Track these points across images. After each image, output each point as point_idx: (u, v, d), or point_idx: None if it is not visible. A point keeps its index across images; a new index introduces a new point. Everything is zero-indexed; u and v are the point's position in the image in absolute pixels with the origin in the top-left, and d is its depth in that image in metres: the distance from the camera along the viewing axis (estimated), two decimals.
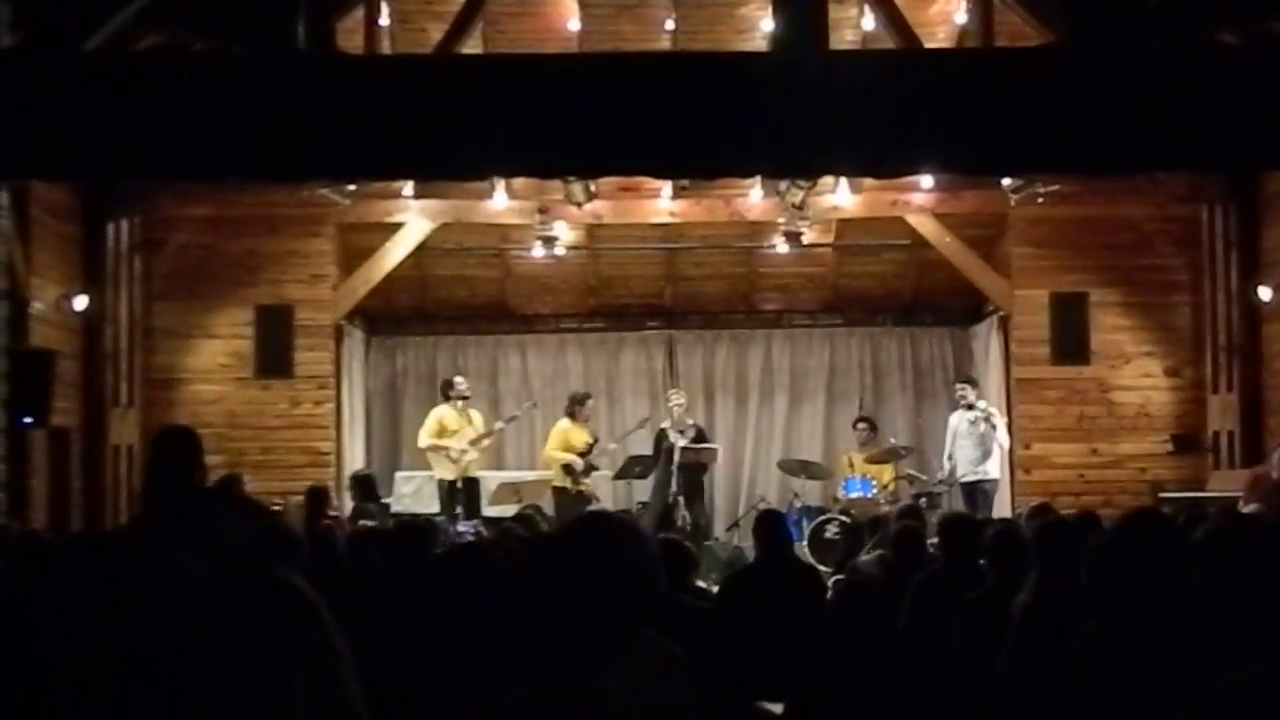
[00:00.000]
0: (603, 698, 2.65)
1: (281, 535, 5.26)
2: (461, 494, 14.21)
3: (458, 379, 15.07)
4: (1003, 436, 14.44)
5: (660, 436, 14.96)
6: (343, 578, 5.78)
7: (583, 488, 14.50)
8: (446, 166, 8.75)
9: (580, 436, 14.77)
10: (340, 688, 3.06)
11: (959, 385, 14.85)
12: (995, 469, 14.43)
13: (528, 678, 2.66)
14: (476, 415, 14.92)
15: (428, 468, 14.75)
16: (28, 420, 12.31)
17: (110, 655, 2.47)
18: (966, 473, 14.33)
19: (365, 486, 14.49)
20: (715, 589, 8.78)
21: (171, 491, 5.88)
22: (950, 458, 14.59)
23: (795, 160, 8.61)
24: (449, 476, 14.30)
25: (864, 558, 11.19)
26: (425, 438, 14.57)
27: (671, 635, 4.43)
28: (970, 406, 14.41)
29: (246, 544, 5.11)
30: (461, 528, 12.15)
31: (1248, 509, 11.33)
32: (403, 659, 3.74)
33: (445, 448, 14.37)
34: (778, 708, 6.83)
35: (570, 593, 2.67)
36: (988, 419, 14.31)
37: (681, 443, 14.58)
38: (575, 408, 14.97)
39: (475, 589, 3.64)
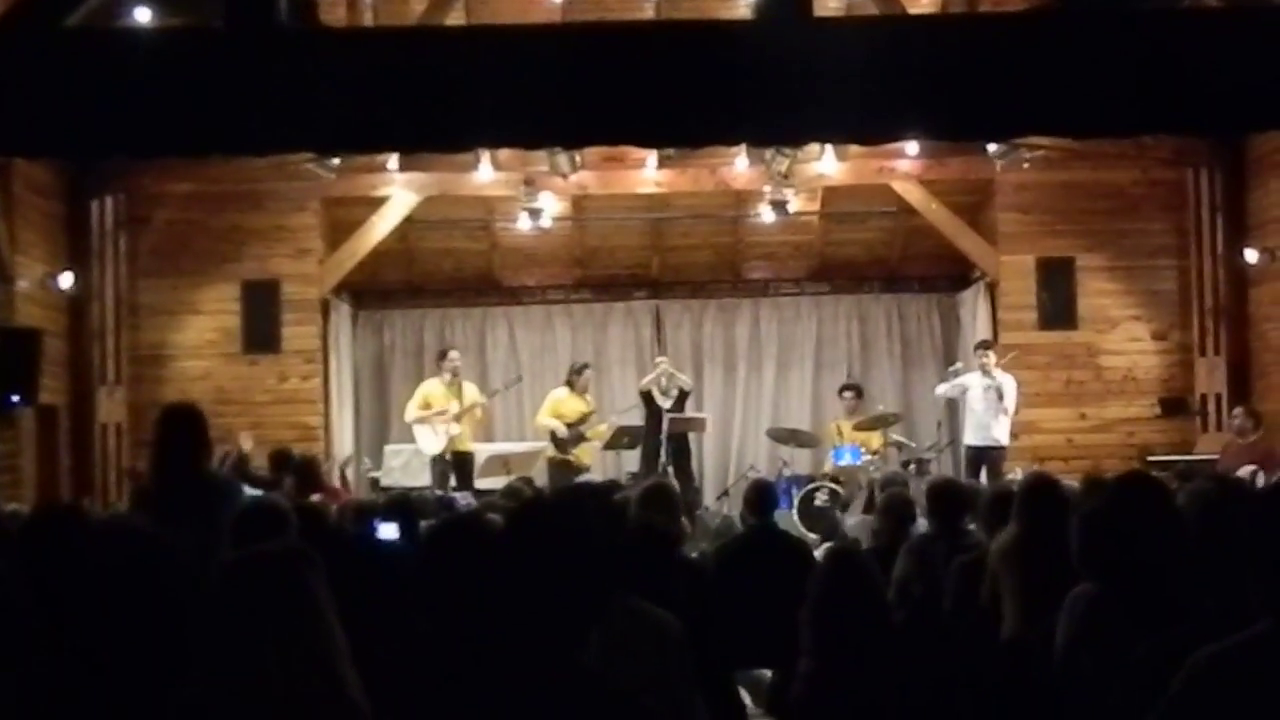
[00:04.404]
0: (578, 669, 2.64)
1: (269, 510, 5.25)
2: (452, 467, 14.16)
3: (452, 352, 14.93)
4: (1010, 403, 14.22)
5: (647, 398, 14.92)
6: (331, 552, 5.77)
7: (570, 458, 14.48)
8: (431, 139, 8.71)
9: (574, 406, 14.74)
10: (328, 659, 3.05)
11: (983, 351, 14.51)
12: (1005, 435, 14.29)
13: (503, 655, 2.65)
14: (470, 388, 14.75)
15: (416, 441, 14.68)
16: (15, 399, 12.31)
17: (95, 627, 2.46)
18: (978, 438, 14.17)
19: (305, 475, 11.07)
20: (705, 558, 8.79)
21: (177, 473, 5.89)
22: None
23: (780, 128, 8.58)
24: (434, 450, 14.24)
25: (850, 521, 11.26)
26: (411, 410, 14.52)
27: (662, 604, 4.44)
28: (987, 372, 14.21)
29: (234, 519, 5.11)
30: (457, 497, 12.12)
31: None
32: (394, 633, 3.74)
33: (428, 422, 14.29)
34: (766, 675, 6.87)
35: (530, 569, 2.66)
36: (999, 387, 14.11)
37: (667, 404, 14.57)
38: (573, 377, 14.97)
39: (465, 561, 3.64)
